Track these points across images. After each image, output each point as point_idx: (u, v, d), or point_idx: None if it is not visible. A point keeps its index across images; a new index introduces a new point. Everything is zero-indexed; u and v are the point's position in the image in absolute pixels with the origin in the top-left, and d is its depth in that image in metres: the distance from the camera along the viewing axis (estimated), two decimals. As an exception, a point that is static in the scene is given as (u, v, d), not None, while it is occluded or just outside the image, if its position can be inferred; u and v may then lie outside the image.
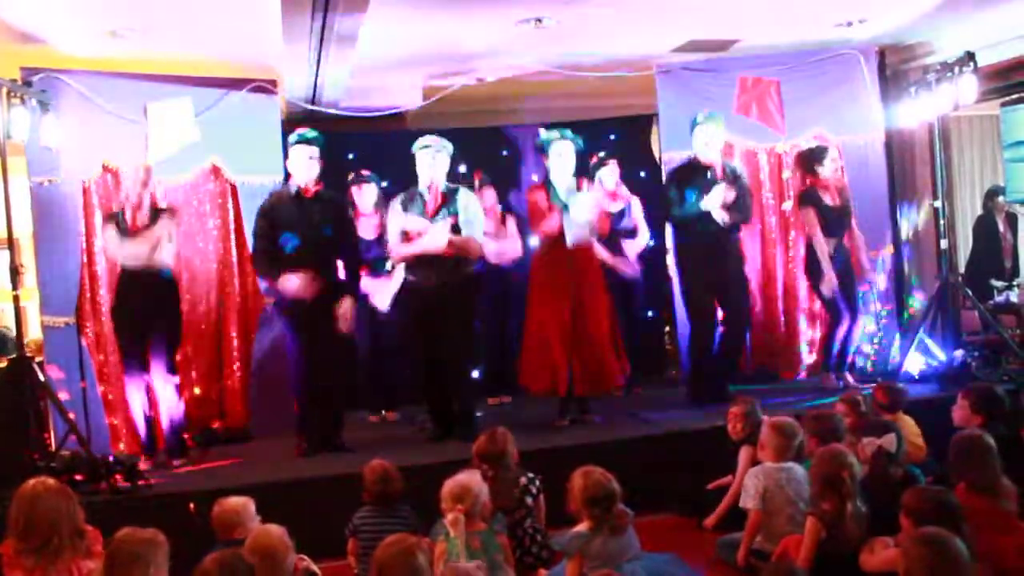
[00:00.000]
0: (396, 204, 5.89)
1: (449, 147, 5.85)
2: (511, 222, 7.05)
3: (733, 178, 6.35)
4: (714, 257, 6.33)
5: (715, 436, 5.30)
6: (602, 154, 7.12)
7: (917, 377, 6.57)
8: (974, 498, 3.70)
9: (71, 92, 6.08)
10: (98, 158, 6.20)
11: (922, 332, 6.75)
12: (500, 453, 4.42)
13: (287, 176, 5.91)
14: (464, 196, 5.88)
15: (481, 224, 5.99)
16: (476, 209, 5.94)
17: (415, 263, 5.82)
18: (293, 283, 5.55)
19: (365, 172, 6.88)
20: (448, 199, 5.80)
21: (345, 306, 5.68)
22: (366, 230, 6.66)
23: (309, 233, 5.63)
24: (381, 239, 6.46)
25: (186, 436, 5.97)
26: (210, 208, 6.58)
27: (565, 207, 5.96)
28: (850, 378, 6.75)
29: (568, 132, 6.13)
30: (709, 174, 6.32)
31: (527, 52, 6.76)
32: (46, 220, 6.07)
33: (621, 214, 7.08)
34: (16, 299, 5.61)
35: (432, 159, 5.77)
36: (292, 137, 5.76)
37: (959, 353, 6.60)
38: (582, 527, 3.93)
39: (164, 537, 3.20)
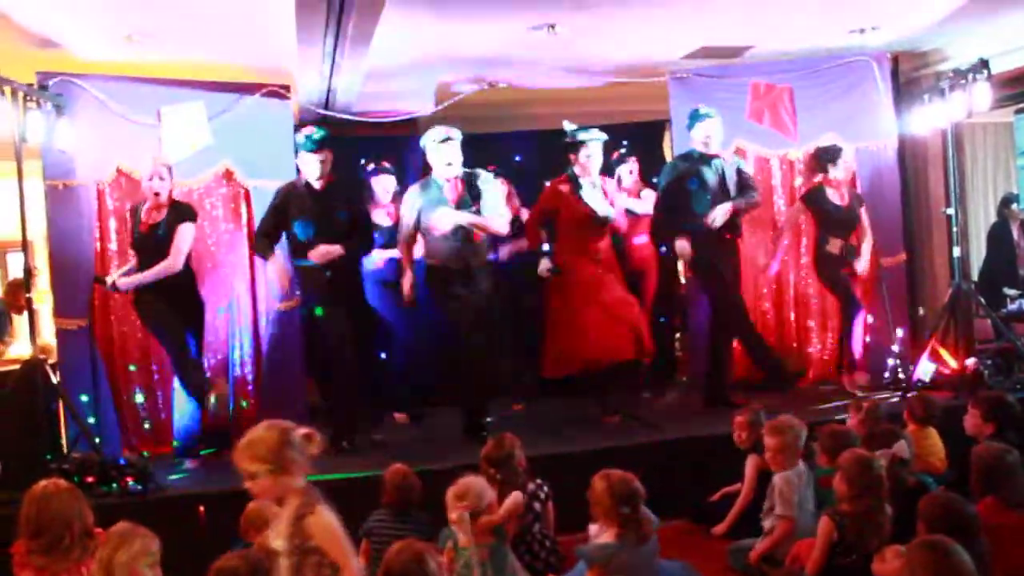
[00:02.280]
0: (412, 194, 5.95)
1: (460, 135, 5.91)
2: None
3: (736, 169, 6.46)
4: (706, 253, 6.36)
5: (725, 443, 5.28)
6: (622, 151, 7.12)
7: (929, 385, 6.54)
8: (1005, 514, 3.69)
9: (86, 96, 6.12)
10: (112, 161, 6.24)
11: (934, 340, 6.72)
12: (507, 457, 4.41)
13: (298, 170, 5.95)
14: (484, 178, 5.98)
15: (501, 204, 6.08)
16: (495, 189, 6.05)
17: (434, 251, 5.87)
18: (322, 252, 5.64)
19: (385, 163, 6.93)
20: (468, 184, 5.90)
21: (334, 246, 5.68)
22: (382, 218, 6.73)
23: (323, 221, 5.69)
24: (397, 227, 6.50)
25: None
26: (223, 212, 6.60)
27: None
28: (857, 379, 6.75)
29: (596, 130, 6.20)
30: (715, 163, 6.36)
31: (540, 58, 6.77)
32: (60, 223, 6.11)
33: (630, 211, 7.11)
34: (30, 301, 5.64)
35: (455, 152, 5.84)
36: (299, 139, 5.77)
37: (971, 361, 6.56)
38: (608, 536, 3.84)
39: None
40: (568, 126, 6.26)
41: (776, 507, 4.42)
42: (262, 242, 5.93)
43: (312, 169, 5.72)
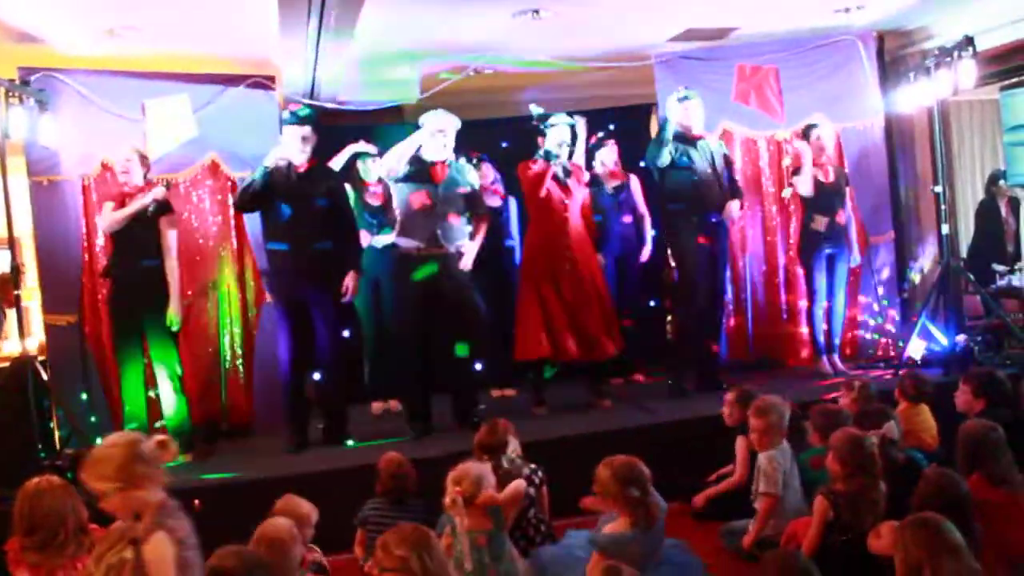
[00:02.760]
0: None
1: (458, 124, 5.89)
2: (512, 201, 7.15)
3: (723, 154, 6.54)
4: (689, 236, 6.41)
5: (718, 425, 5.30)
6: (600, 134, 7.12)
7: (919, 362, 6.57)
8: (991, 491, 3.70)
9: (69, 91, 6.11)
10: (97, 156, 6.23)
11: (924, 317, 6.74)
12: (500, 444, 4.41)
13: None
14: (470, 171, 6.02)
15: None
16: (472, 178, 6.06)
17: (410, 227, 5.80)
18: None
19: (369, 147, 6.86)
20: (451, 171, 5.88)
21: (348, 280, 5.70)
22: (371, 199, 6.70)
23: (302, 204, 5.63)
24: (386, 207, 6.54)
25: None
26: (209, 204, 6.58)
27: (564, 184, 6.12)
28: (838, 362, 6.80)
29: (564, 114, 6.25)
30: (699, 143, 6.40)
31: (525, 43, 6.75)
32: (46, 219, 6.10)
33: (619, 190, 7.09)
34: (18, 298, 5.62)
35: (446, 144, 5.83)
36: (284, 114, 5.76)
37: (961, 338, 6.59)
38: (620, 525, 3.83)
39: None
40: (535, 110, 6.34)
41: (760, 485, 4.44)
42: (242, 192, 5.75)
43: (294, 147, 5.67)
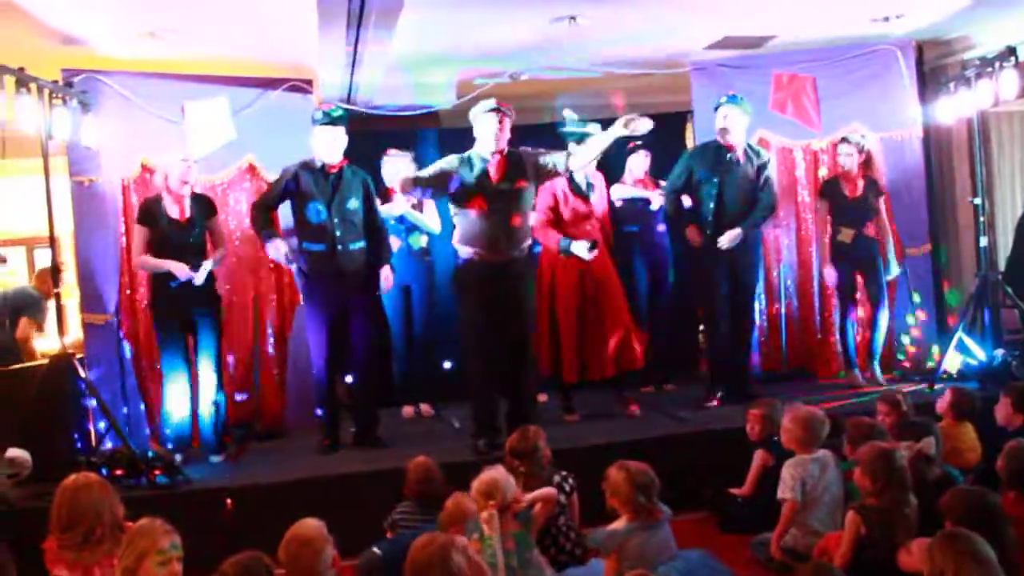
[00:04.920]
0: (450, 158, 5.51)
1: (512, 113, 5.53)
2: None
3: (757, 166, 6.36)
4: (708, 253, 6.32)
5: (746, 436, 5.27)
6: (639, 143, 7.09)
7: (956, 376, 6.50)
8: None
9: (111, 92, 6.18)
10: (137, 157, 6.30)
11: (961, 330, 6.67)
12: (531, 449, 4.41)
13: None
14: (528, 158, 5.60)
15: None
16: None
17: (483, 236, 5.41)
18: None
19: (395, 149, 6.80)
20: (510, 165, 5.48)
21: (384, 273, 5.83)
22: (399, 203, 6.58)
23: (336, 205, 5.66)
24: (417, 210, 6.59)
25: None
26: (247, 207, 6.62)
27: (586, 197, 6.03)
28: (879, 375, 6.72)
29: (584, 123, 6.17)
30: (729, 156, 6.28)
31: (561, 50, 6.76)
32: (86, 219, 6.18)
33: (647, 201, 7.03)
34: (57, 297, 5.70)
35: (499, 124, 5.43)
36: (316, 114, 5.73)
37: (999, 352, 6.51)
38: (619, 523, 3.91)
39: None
40: (569, 116, 6.21)
41: (779, 490, 4.43)
42: (262, 215, 5.73)
43: (325, 145, 5.67)
